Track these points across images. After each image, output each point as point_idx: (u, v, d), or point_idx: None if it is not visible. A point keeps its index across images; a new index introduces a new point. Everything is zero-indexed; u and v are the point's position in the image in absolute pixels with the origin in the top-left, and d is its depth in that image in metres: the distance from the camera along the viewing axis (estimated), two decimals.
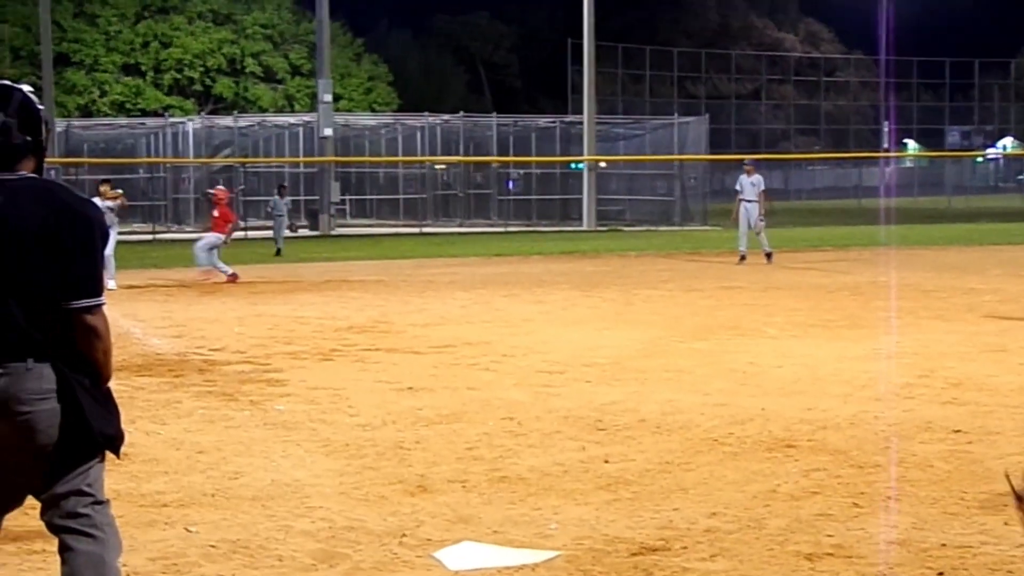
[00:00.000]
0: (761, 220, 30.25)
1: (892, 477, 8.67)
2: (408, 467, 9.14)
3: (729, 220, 31.49)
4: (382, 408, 11.27)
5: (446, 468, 9.18)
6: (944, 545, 7.12)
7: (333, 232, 48.40)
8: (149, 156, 58.76)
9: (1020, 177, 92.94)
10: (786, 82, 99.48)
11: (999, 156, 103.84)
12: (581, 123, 54.66)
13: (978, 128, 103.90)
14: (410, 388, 12.62)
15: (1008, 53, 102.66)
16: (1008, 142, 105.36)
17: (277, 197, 38.52)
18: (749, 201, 30.26)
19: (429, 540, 7.40)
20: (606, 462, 9.28)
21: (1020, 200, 66.14)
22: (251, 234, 42.90)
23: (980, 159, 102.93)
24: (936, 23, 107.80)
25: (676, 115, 60.29)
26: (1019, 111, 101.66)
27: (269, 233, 38.24)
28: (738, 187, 30.78)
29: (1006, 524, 7.47)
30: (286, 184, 44.94)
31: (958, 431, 10.11)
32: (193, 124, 57.60)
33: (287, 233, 38.77)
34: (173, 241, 42.46)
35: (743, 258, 29.92)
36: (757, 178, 30.68)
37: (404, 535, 7.47)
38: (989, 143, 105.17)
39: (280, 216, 37.51)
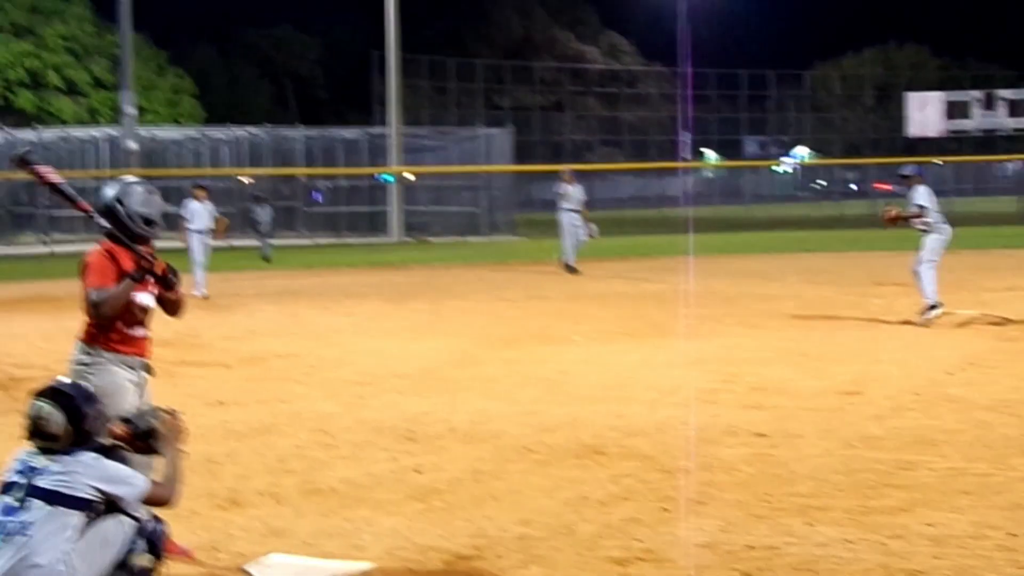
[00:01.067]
0: (594, 228, 30.10)
1: (699, 481, 8.85)
2: (219, 481, 9.07)
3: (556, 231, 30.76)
4: (191, 422, 11.05)
5: (257, 481, 9.13)
6: (750, 547, 7.30)
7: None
8: None
9: (812, 185, 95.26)
10: (588, 94, 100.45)
11: (797, 165, 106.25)
12: (387, 135, 54.61)
13: (774, 138, 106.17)
14: (220, 402, 12.52)
15: (801, 65, 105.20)
16: (803, 151, 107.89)
17: (257, 207, 39.98)
18: (573, 211, 30.06)
19: (241, 554, 7.37)
20: (417, 472, 9.31)
21: (815, 208, 67.76)
22: (56, 249, 42.06)
23: (781, 169, 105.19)
24: (732, 37, 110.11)
25: (482, 126, 60.55)
26: (813, 122, 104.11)
27: (71, 248, 37.61)
28: (561, 194, 30.27)
29: (809, 524, 7.69)
30: (262, 194, 44.34)
31: (761, 435, 10.36)
32: None
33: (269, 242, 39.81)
34: None
35: (572, 268, 29.67)
36: (578, 187, 30.47)
37: (215, 549, 7.43)
38: (784, 153, 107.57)
39: (261, 224, 39.26)
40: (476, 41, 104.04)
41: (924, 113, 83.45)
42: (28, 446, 6.07)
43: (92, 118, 71.99)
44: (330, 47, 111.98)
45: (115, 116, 59.72)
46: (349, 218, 56.86)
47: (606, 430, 10.65)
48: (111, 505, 5.93)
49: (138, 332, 7.32)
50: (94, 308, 7.10)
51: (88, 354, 7.18)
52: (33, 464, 5.95)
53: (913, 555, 7.11)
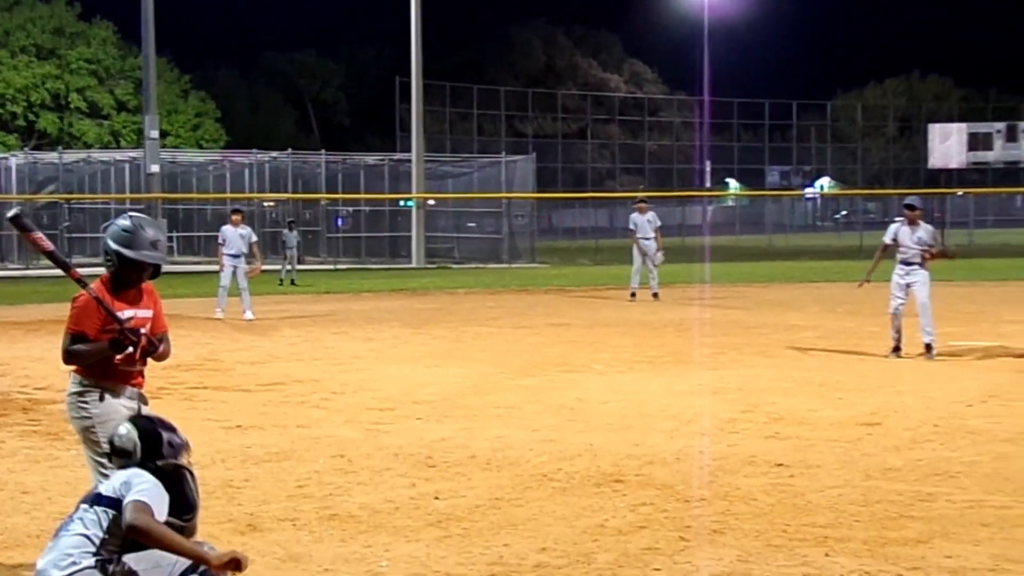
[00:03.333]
0: (661, 255, 30.08)
1: (717, 511, 8.85)
2: (238, 506, 9.09)
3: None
4: (211, 447, 11.17)
5: (276, 506, 9.15)
6: None
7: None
8: None
9: (836, 216, 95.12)
10: (611, 121, 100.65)
11: (816, 195, 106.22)
12: (410, 161, 54.73)
13: (796, 168, 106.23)
14: (239, 426, 12.54)
15: (824, 95, 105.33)
16: (825, 182, 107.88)
17: (287, 231, 40.25)
18: (646, 239, 29.81)
19: None
20: (436, 499, 9.32)
21: (837, 238, 67.65)
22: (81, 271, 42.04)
23: (801, 198, 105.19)
24: (756, 66, 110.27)
25: (504, 153, 60.68)
26: (835, 152, 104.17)
27: (91, 271, 37.72)
28: (632, 226, 30.17)
29: (827, 555, 7.68)
30: (295, 219, 44.54)
31: (780, 465, 10.35)
32: (16, 160, 56.40)
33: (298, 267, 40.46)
34: None
35: (633, 295, 29.66)
36: (652, 215, 30.21)
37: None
38: (807, 183, 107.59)
39: (290, 249, 39.49)
40: (499, 68, 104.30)
41: (946, 144, 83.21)
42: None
43: (115, 141, 72.33)
44: (353, 73, 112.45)
45: (138, 139, 60.00)
46: (370, 243, 57.00)
47: (625, 458, 10.66)
48: None
49: (130, 367, 7.26)
50: (64, 355, 7.11)
51: (83, 384, 7.18)
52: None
53: None
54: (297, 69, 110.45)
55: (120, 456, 6.29)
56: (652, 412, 13.25)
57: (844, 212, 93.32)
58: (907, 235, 18.06)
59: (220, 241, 26.74)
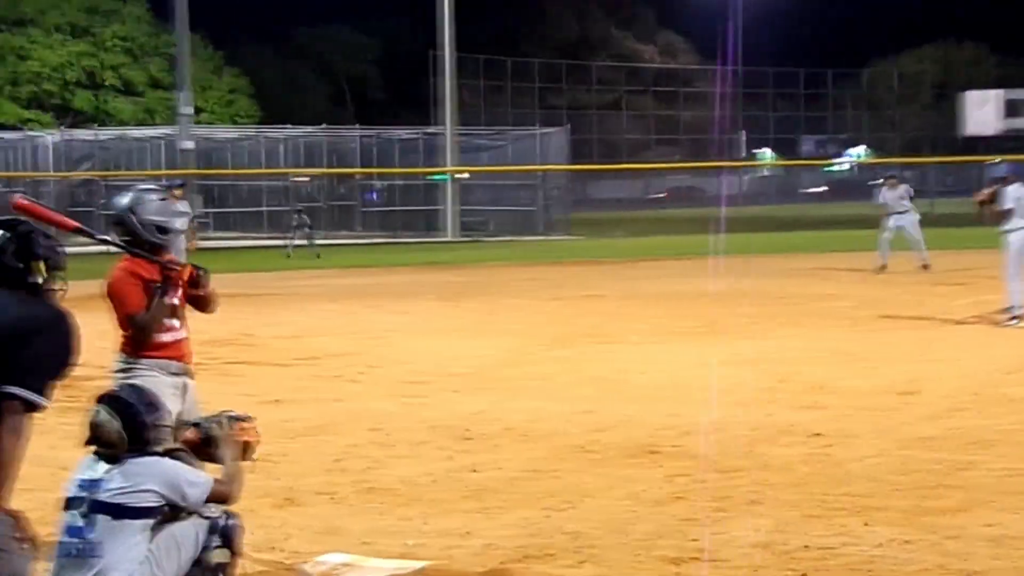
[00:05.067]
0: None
1: (754, 481, 8.84)
2: (275, 480, 9.11)
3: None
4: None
5: (314, 480, 9.18)
6: (806, 547, 7.28)
7: (198, 245, 47.82)
8: (8, 171, 57.62)
9: (870, 184, 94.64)
10: (645, 93, 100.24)
11: (852, 164, 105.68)
12: (443, 134, 54.67)
13: (832, 137, 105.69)
14: (276, 401, 12.58)
15: (859, 64, 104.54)
16: (861, 150, 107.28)
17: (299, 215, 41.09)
18: (900, 213, 27.98)
19: (297, 552, 7.41)
20: (474, 471, 9.34)
21: (871, 208, 67.36)
22: (112, 248, 42.16)
23: (835, 167, 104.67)
24: (790, 35, 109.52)
25: (538, 126, 60.51)
26: (871, 120, 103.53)
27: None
28: (882, 200, 28.81)
29: (866, 525, 7.66)
30: (302, 209, 44.66)
31: (817, 434, 10.32)
32: (52, 138, 56.60)
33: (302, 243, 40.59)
34: None
35: (884, 267, 27.68)
36: (903, 189, 28.71)
37: (273, 548, 7.48)
38: (842, 152, 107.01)
39: (299, 229, 40.32)
40: (532, 40, 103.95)
41: (982, 111, 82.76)
42: (89, 453, 6.11)
43: (149, 118, 72.44)
44: (386, 47, 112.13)
45: (172, 116, 60.07)
46: (405, 217, 56.97)
47: (661, 429, 10.65)
48: (176, 507, 5.95)
49: (172, 336, 7.28)
50: (141, 334, 7.12)
51: (128, 363, 7.21)
52: (94, 476, 5.96)
53: (971, 556, 7.07)
54: (330, 44, 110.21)
55: (104, 446, 6.03)
56: (687, 382, 13.24)
57: (880, 180, 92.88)
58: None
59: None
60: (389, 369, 14.78)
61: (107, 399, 6.13)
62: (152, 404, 6.15)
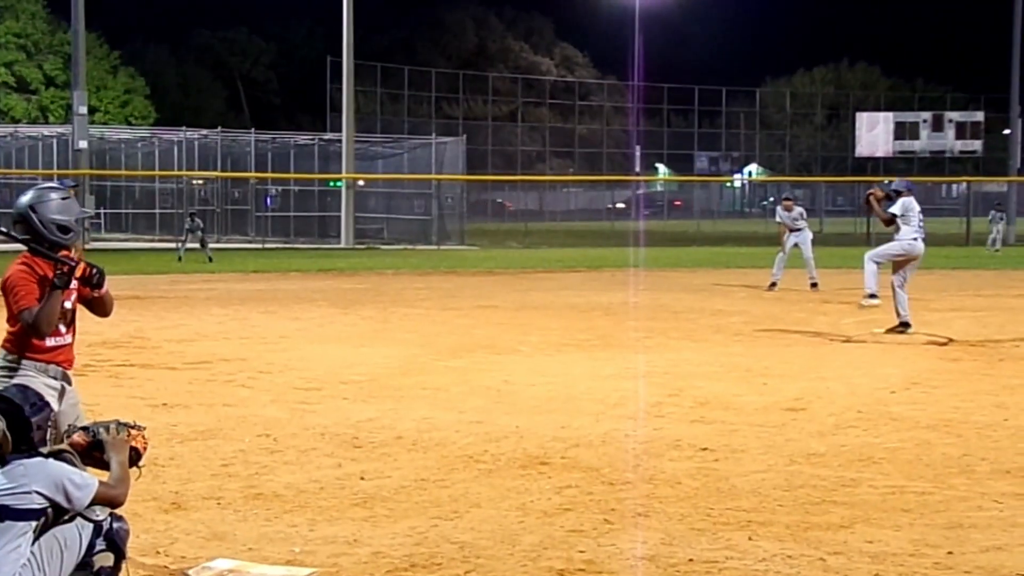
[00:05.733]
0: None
1: (642, 494, 8.89)
2: (162, 484, 9.03)
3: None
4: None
5: (201, 485, 9.11)
6: (691, 560, 7.33)
7: (87, 246, 47.38)
8: None
9: (764, 203, 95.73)
10: (542, 105, 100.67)
11: (744, 182, 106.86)
12: (340, 141, 54.54)
13: (725, 154, 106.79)
14: (164, 404, 12.47)
15: (753, 82, 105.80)
16: (753, 168, 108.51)
17: (191, 220, 40.31)
18: (796, 231, 28.66)
19: (183, 557, 7.34)
20: (362, 479, 9.31)
21: (764, 225, 68.09)
22: (1, 247, 41.72)
23: (728, 184, 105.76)
24: (686, 52, 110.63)
25: (434, 135, 60.59)
26: (764, 139, 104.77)
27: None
28: (779, 219, 29.43)
29: (751, 539, 7.74)
30: (195, 212, 44.18)
31: (705, 449, 10.40)
32: None
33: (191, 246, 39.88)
34: None
35: (774, 284, 28.13)
36: (797, 211, 29.25)
37: (158, 552, 7.41)
38: (736, 169, 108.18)
39: (192, 232, 39.47)
40: (430, 50, 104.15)
41: (873, 133, 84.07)
42: None
43: (43, 116, 71.57)
44: (284, 51, 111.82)
45: (66, 115, 59.42)
46: (299, 223, 56.76)
47: (551, 441, 10.68)
48: (60, 509, 5.87)
49: (56, 341, 7.20)
50: (32, 330, 7.03)
51: (9, 362, 7.14)
52: None
53: (853, 572, 7.16)
54: (228, 46, 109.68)
55: None
56: (578, 395, 13.28)
57: (772, 199, 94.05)
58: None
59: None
60: (280, 375, 14.69)
61: None
62: (37, 405, 6.06)
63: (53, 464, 5.92)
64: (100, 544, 5.96)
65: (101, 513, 6.02)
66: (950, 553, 7.52)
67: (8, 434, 5.87)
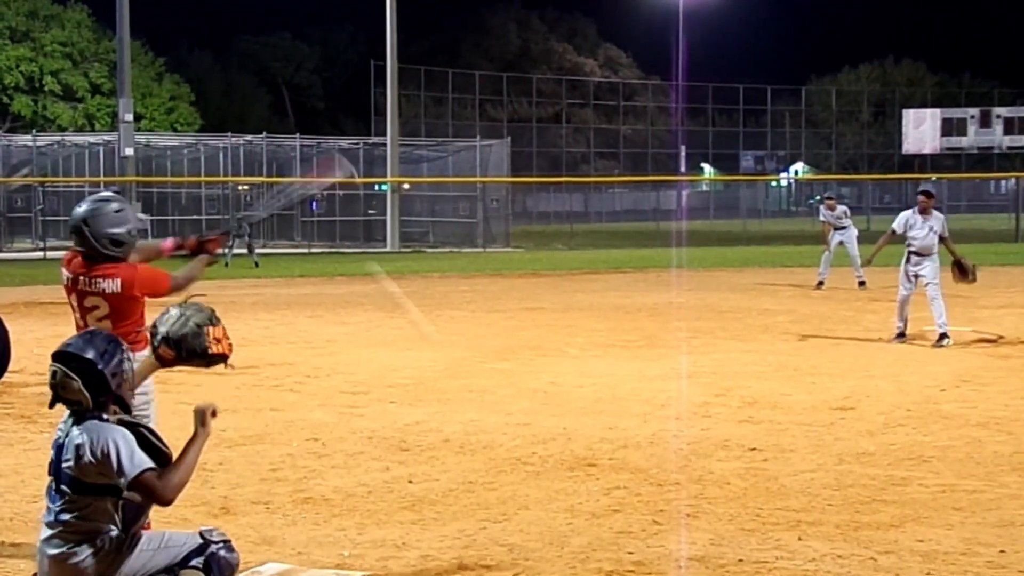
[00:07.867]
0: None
1: (690, 495, 8.87)
2: (211, 489, 9.07)
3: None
4: (185, 430, 11.00)
5: (250, 489, 9.14)
6: (741, 560, 7.31)
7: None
8: None
9: (811, 201, 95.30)
10: (586, 106, 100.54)
11: (791, 180, 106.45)
12: (384, 145, 54.57)
13: (771, 153, 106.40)
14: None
15: (799, 80, 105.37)
16: (799, 167, 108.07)
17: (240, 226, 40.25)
18: (841, 228, 28.71)
19: None
20: (410, 482, 9.32)
21: (811, 223, 67.77)
22: (49, 254, 42.02)
23: (775, 183, 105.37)
24: (730, 51, 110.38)
25: (478, 138, 60.57)
26: (810, 137, 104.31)
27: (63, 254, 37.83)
28: (823, 218, 29.33)
29: (800, 539, 7.70)
30: (243, 218, 44.52)
31: (754, 449, 10.37)
32: None
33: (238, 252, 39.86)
34: None
35: (821, 283, 28.07)
36: (840, 209, 29.14)
37: None
38: (781, 168, 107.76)
39: (239, 238, 39.54)
40: (473, 52, 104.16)
41: (920, 130, 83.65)
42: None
43: (89, 124, 71.97)
44: (328, 56, 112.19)
45: (112, 122, 59.72)
46: (345, 227, 56.84)
47: (599, 442, 10.67)
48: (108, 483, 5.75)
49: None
50: (180, 284, 7.88)
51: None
52: (61, 440, 5.82)
53: (904, 571, 7.12)
54: (271, 52, 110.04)
55: (70, 404, 5.87)
56: (625, 396, 13.27)
57: (818, 197, 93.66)
58: (919, 224, 17.99)
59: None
60: (327, 379, 14.73)
61: (61, 357, 5.89)
62: (107, 351, 5.94)
63: (116, 431, 5.86)
64: (197, 561, 5.91)
65: (218, 535, 6.00)
66: (1002, 552, 7.47)
67: (86, 392, 5.81)
